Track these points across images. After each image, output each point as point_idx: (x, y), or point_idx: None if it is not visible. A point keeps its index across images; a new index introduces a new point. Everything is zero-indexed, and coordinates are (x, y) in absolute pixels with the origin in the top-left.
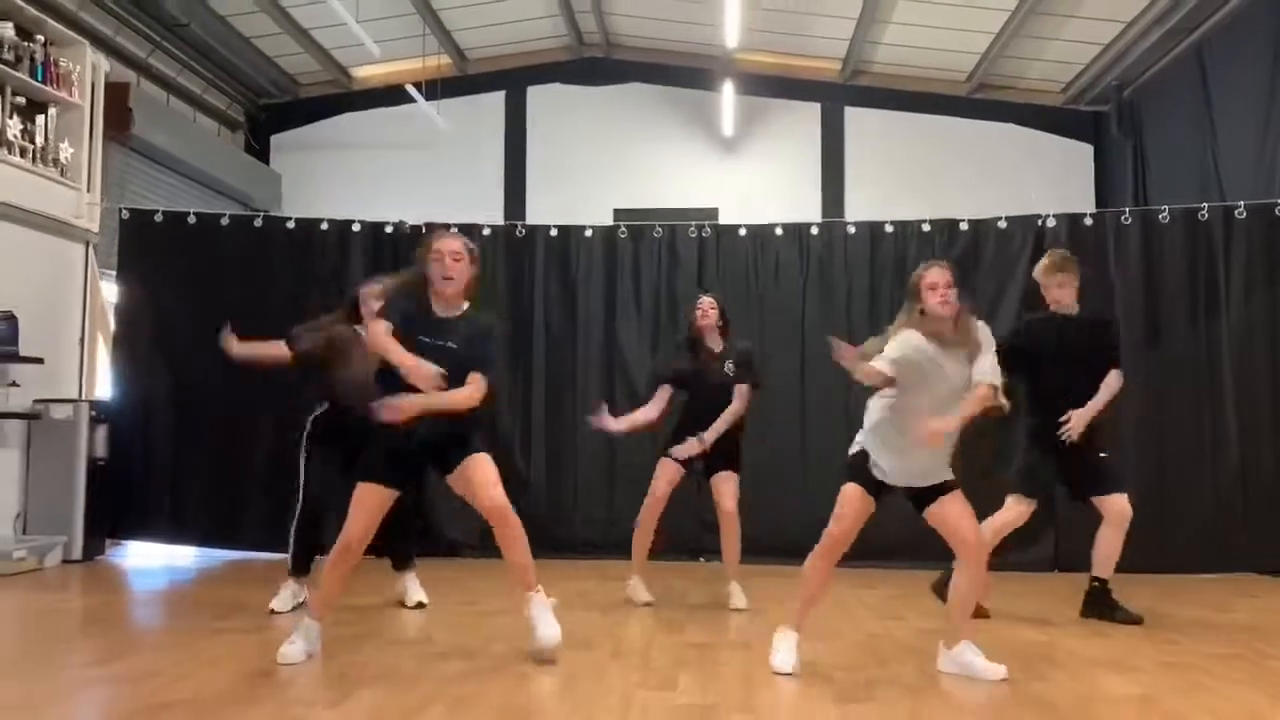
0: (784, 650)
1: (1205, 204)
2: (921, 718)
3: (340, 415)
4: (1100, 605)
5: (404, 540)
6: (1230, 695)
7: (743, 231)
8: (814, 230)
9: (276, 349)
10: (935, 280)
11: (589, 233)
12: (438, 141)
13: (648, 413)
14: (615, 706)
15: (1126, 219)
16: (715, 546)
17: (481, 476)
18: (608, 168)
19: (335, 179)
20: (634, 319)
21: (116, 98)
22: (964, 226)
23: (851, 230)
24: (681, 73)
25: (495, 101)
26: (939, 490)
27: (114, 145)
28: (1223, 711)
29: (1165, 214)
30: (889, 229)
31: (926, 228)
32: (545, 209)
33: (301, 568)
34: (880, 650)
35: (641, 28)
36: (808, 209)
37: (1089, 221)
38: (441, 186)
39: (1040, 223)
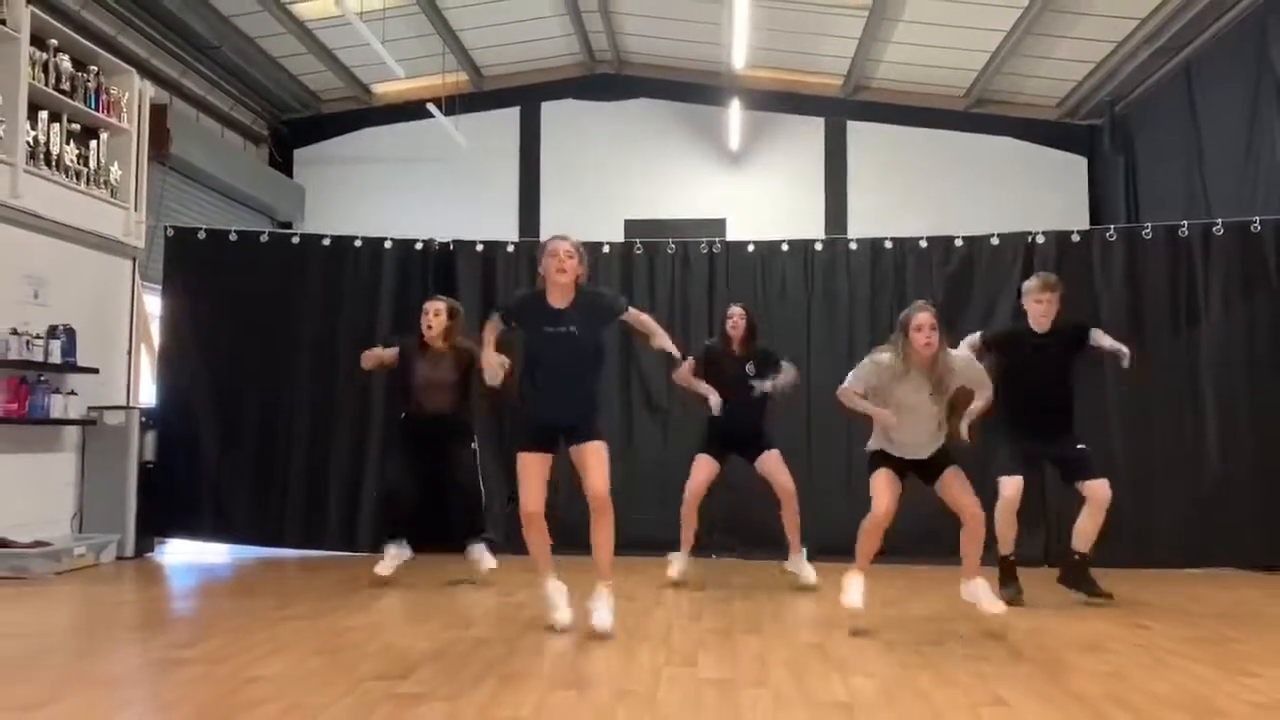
0: (853, 589)
1: (1185, 221)
2: (918, 691)
3: (410, 418)
4: (1077, 577)
5: (467, 513)
6: (1191, 671)
7: (751, 248)
8: (818, 246)
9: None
10: (921, 323)
11: (606, 249)
12: (455, 155)
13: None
14: (646, 680)
15: (1111, 236)
16: (723, 544)
17: (596, 462)
18: (619, 180)
19: (356, 192)
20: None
21: (157, 120)
22: (959, 243)
23: (853, 246)
24: (690, 89)
25: (510, 117)
26: (941, 464)
27: (154, 164)
28: (1181, 684)
29: (1148, 231)
30: (888, 245)
31: (924, 244)
32: (558, 220)
33: (389, 534)
34: (884, 634)
35: (652, 46)
36: (811, 219)
37: (1076, 238)
38: (458, 199)
39: (1030, 239)
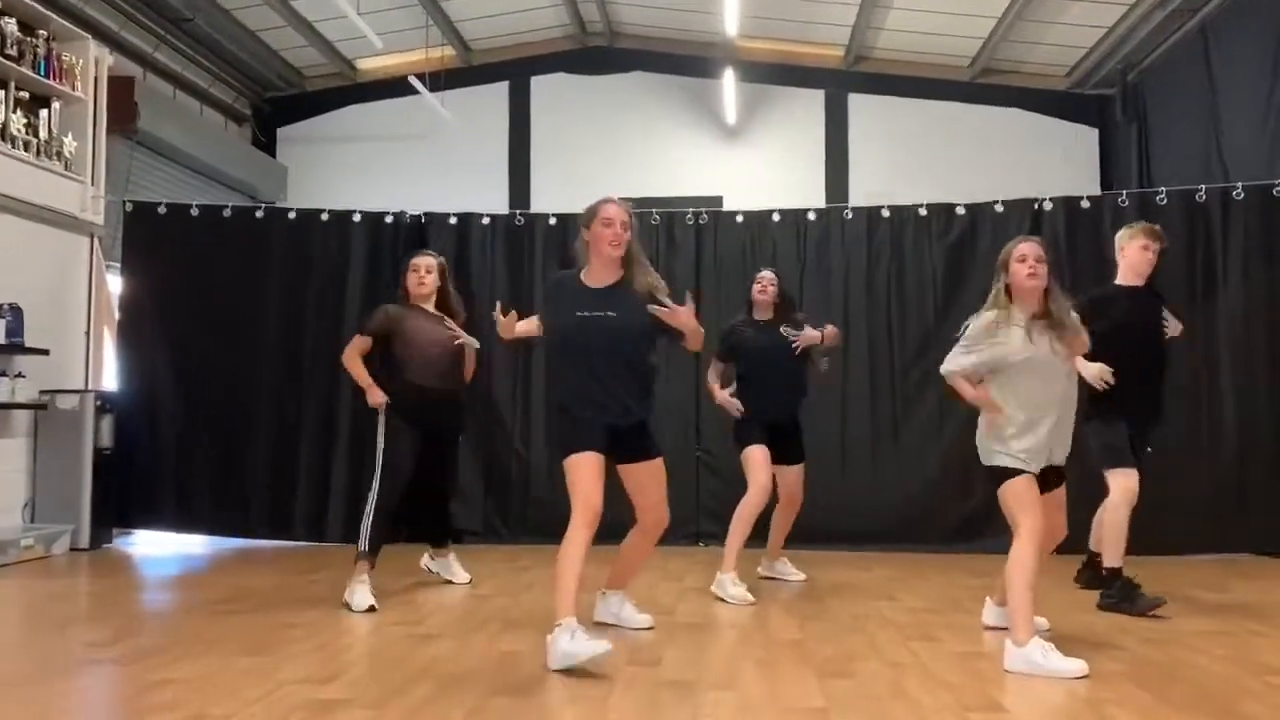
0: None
1: (1203, 185)
2: (900, 693)
3: (415, 393)
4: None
5: (441, 522)
6: (1209, 670)
7: (740, 218)
8: (811, 216)
9: (361, 344)
10: (1025, 253)
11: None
12: (443, 132)
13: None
14: (601, 682)
15: (1124, 201)
16: (714, 531)
17: (658, 484)
18: (612, 157)
19: (342, 170)
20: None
21: (121, 92)
22: (960, 211)
23: (848, 215)
24: (685, 61)
25: (499, 92)
26: (1057, 469)
27: (119, 139)
28: (1198, 684)
29: (1163, 196)
30: (885, 214)
31: (923, 212)
32: (550, 198)
33: (375, 549)
34: (868, 629)
35: (644, 16)
36: (812, 197)
37: (1086, 204)
38: (447, 177)
39: (1037, 206)
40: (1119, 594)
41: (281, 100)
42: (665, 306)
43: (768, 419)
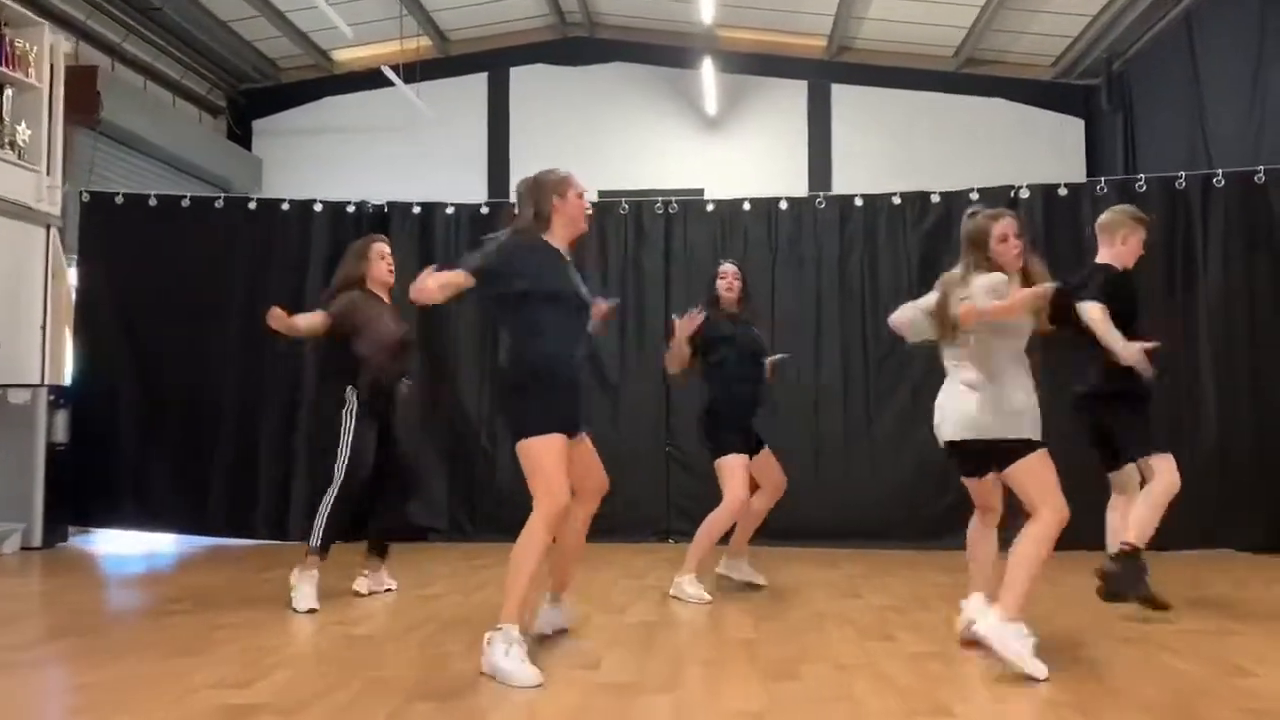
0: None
1: (1183, 173)
2: (845, 695)
3: (377, 385)
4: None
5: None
6: (1181, 671)
7: (711, 207)
8: (783, 205)
9: (312, 317)
10: (1007, 230)
11: None
12: (420, 124)
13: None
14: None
15: (1102, 189)
16: (683, 529)
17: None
18: (593, 149)
19: (318, 163)
20: (600, 293)
21: (84, 81)
22: (935, 199)
23: (821, 204)
24: (666, 51)
25: (478, 83)
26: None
27: (82, 129)
28: (1168, 685)
29: (1142, 183)
30: (859, 203)
31: (897, 200)
32: None
33: (325, 547)
34: (825, 629)
35: (624, 6)
36: (795, 189)
37: (1064, 192)
38: (425, 169)
39: (1013, 194)
40: (1126, 574)
41: (257, 92)
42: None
43: (746, 421)
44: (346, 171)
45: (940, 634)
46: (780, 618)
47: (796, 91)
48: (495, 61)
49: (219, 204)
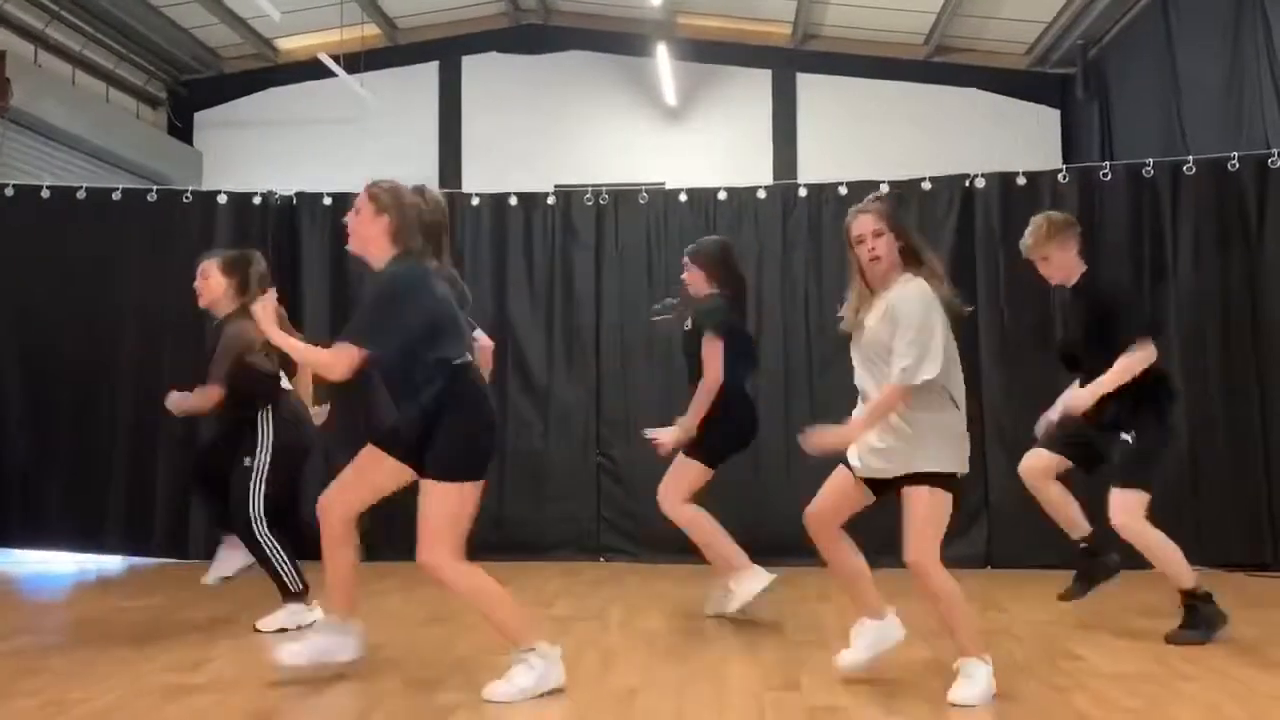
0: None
1: (1150, 160)
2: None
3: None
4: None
5: None
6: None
7: (643, 199)
8: (722, 195)
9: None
10: (861, 232)
11: (475, 200)
12: (369, 115)
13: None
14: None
15: (1064, 178)
16: (615, 545)
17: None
18: (548, 140)
19: (263, 156)
20: (526, 292)
21: None
22: (884, 188)
23: (761, 195)
24: (624, 39)
25: (428, 73)
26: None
27: None
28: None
29: (1106, 171)
30: (803, 193)
31: (844, 190)
32: (482, 185)
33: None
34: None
35: None
36: (759, 182)
37: (1022, 181)
38: (373, 162)
39: (968, 183)
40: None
41: (198, 84)
42: None
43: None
44: (292, 164)
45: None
46: (678, 660)
47: (761, 81)
48: (446, 50)
49: (116, 196)
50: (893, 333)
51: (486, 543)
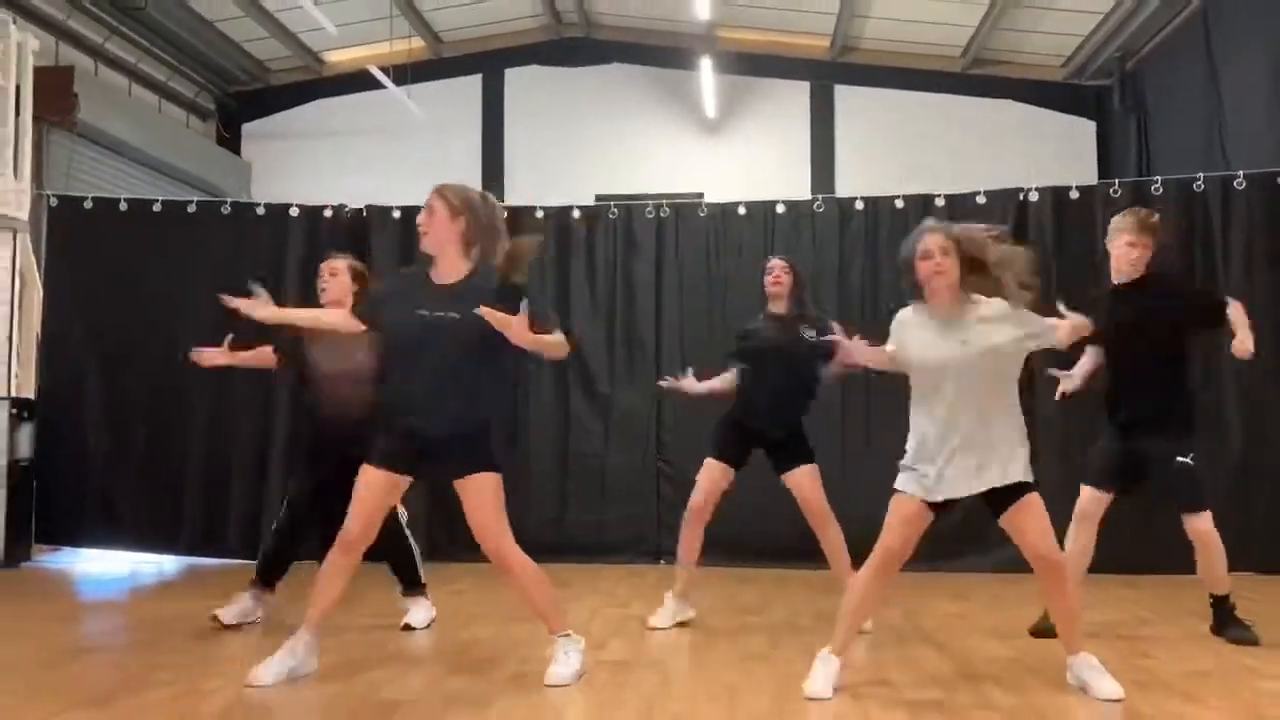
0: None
1: (1201, 174)
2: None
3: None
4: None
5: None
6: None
7: (703, 212)
8: (780, 209)
9: (261, 354)
10: (928, 248)
11: (540, 214)
12: (413, 127)
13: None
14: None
15: (1116, 191)
16: (675, 548)
17: (477, 504)
18: (589, 152)
19: (309, 167)
20: (588, 303)
21: (58, 82)
22: (940, 202)
23: (819, 208)
24: (664, 53)
25: (472, 85)
26: (1011, 494)
27: (57, 132)
28: None
29: (1158, 185)
30: (859, 206)
31: (900, 204)
32: (525, 195)
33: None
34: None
35: (621, 6)
36: (797, 194)
37: (1075, 195)
38: (417, 173)
39: (1022, 197)
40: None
41: (247, 95)
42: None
43: (755, 426)
44: (339, 175)
45: (930, 662)
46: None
47: (799, 93)
48: (489, 63)
49: (191, 209)
50: (1016, 335)
51: (547, 544)
